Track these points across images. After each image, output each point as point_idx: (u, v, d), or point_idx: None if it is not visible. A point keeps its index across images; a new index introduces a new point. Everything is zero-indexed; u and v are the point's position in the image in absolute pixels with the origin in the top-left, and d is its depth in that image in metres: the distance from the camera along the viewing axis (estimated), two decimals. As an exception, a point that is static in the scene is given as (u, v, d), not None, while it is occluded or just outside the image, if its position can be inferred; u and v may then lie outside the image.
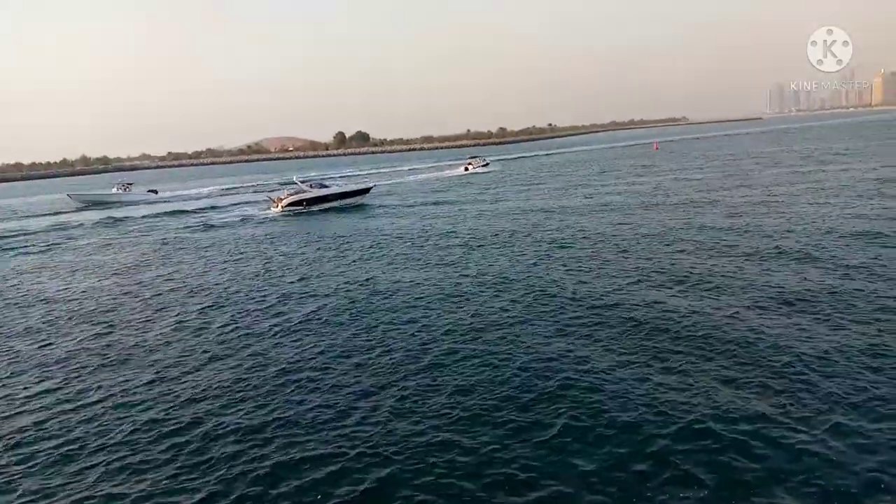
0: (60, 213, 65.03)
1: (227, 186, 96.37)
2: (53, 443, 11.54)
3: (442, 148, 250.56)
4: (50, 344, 17.89)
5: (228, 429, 11.56)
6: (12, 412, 13.11)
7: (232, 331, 17.82)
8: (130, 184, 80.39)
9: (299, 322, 18.13)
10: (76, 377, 14.94)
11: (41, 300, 23.77)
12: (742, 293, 17.44)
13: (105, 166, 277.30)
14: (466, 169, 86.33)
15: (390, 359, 14.52)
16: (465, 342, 15.22)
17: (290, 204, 48.90)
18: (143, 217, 54.11)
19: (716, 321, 15.24)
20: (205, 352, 16.12)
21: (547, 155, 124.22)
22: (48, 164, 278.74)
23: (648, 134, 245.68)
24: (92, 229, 47.84)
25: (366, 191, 53.95)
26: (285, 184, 61.88)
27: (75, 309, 21.93)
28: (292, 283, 23.62)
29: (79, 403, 13.33)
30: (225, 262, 29.52)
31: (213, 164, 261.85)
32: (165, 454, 10.81)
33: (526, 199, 46.43)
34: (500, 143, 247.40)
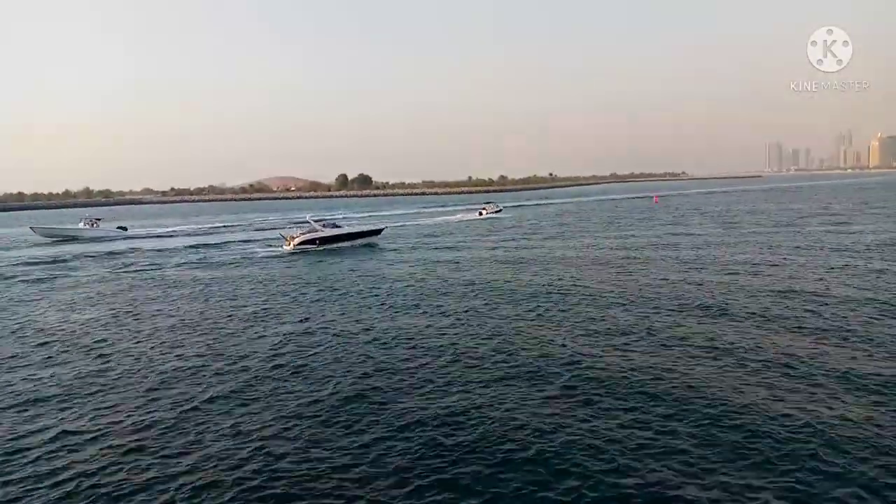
0: (12, 248, 62.50)
1: (213, 225, 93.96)
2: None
3: (444, 193, 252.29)
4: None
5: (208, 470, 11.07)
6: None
7: (228, 372, 17.40)
8: (98, 219, 77.28)
9: (297, 366, 17.70)
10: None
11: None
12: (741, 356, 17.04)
13: (107, 199, 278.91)
14: (481, 214, 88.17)
15: (376, 414, 14.01)
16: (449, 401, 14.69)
17: (303, 242, 49.38)
18: (85, 255, 52.12)
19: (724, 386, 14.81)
20: (191, 396, 15.59)
21: (549, 204, 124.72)
22: (50, 194, 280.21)
23: (649, 187, 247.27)
24: (33, 267, 45.50)
25: (378, 231, 54.59)
26: (299, 223, 61.05)
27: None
28: (292, 324, 23.22)
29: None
30: (222, 299, 29.19)
31: (213, 200, 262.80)
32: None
33: (539, 246, 46.41)
34: (502, 191, 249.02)
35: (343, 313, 24.78)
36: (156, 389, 16.24)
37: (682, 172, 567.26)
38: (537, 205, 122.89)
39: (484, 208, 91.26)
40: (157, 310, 27.27)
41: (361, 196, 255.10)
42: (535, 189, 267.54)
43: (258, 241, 59.29)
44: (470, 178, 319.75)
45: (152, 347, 20.67)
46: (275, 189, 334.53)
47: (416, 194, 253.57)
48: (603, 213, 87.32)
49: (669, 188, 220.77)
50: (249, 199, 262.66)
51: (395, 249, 48.85)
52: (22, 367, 18.84)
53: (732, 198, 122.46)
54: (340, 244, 50.58)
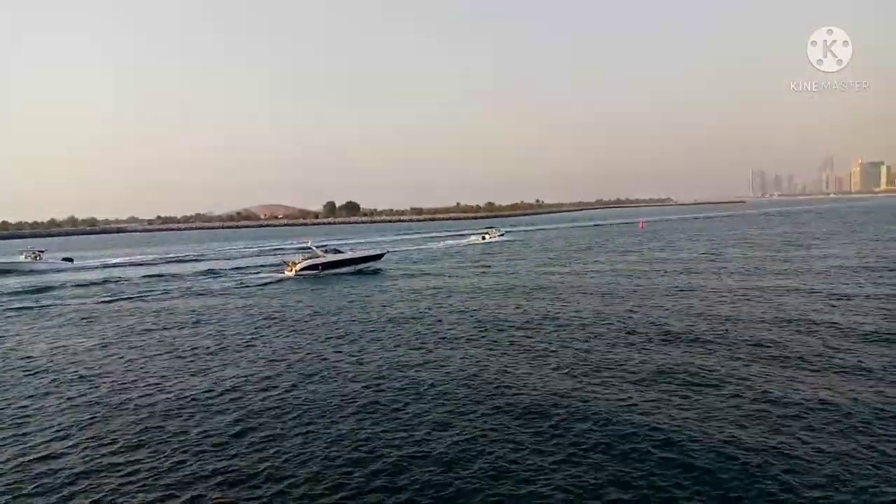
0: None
1: (172, 255, 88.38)
2: None
3: (432, 220, 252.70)
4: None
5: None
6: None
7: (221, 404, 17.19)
8: (42, 251, 74.13)
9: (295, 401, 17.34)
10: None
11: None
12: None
13: (92, 227, 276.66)
14: (484, 238, 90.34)
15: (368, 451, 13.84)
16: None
17: (305, 268, 49.76)
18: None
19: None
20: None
21: (538, 230, 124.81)
22: (35, 223, 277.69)
23: (635, 213, 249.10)
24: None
25: (379, 256, 55.11)
26: (301, 249, 61.02)
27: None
28: (286, 352, 23.00)
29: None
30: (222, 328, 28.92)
31: (200, 228, 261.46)
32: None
33: (536, 272, 46.60)
34: (489, 217, 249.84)
35: (346, 342, 24.41)
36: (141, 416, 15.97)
37: (667, 198, 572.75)
38: (526, 230, 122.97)
39: (487, 233, 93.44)
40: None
41: (349, 223, 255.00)
42: (522, 215, 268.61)
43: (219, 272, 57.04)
44: (458, 204, 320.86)
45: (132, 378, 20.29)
46: (262, 217, 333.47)
47: (404, 221, 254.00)
48: (592, 238, 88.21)
49: (656, 213, 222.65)
50: (236, 227, 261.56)
51: (397, 274, 49.03)
52: None
53: (716, 224, 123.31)
54: (342, 269, 50.85)
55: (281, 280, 47.76)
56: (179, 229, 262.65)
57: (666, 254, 56.67)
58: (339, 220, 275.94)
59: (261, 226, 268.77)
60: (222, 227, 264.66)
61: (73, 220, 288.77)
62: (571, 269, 47.82)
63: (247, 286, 45.06)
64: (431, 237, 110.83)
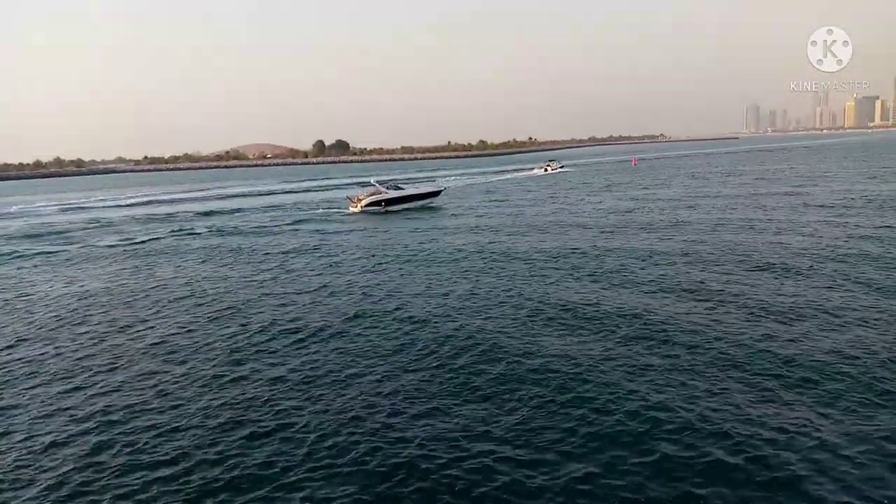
0: None
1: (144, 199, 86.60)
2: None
3: (423, 158, 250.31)
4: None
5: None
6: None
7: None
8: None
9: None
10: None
11: None
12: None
13: (79, 168, 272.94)
14: (546, 170, 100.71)
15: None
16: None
17: (370, 204, 51.37)
18: None
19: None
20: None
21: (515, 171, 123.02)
22: (20, 164, 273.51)
23: (629, 150, 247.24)
24: None
25: (437, 193, 55.94)
26: (363, 184, 62.47)
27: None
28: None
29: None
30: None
31: (188, 169, 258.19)
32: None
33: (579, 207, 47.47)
34: (481, 156, 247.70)
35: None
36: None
37: (660, 135, 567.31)
38: (520, 169, 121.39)
39: (549, 165, 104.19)
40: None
41: (339, 162, 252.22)
42: (515, 153, 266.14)
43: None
44: (449, 143, 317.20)
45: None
46: (251, 157, 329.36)
47: (395, 160, 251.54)
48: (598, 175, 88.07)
49: (649, 150, 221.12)
50: (227, 167, 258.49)
51: (456, 211, 50.32)
52: None
53: (704, 160, 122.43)
54: (404, 206, 52.12)
55: (351, 214, 50.52)
56: (168, 170, 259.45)
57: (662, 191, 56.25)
58: (330, 159, 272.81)
59: (250, 166, 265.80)
60: (215, 167, 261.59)
61: (59, 162, 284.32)
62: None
63: (327, 220, 48.57)
64: (454, 175, 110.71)
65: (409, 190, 55.50)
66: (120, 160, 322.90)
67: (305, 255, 31.45)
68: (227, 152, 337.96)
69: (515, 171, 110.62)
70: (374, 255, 30.20)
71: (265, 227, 45.65)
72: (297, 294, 22.66)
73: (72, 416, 12.92)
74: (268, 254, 32.62)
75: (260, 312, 20.18)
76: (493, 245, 31.45)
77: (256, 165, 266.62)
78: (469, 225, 40.41)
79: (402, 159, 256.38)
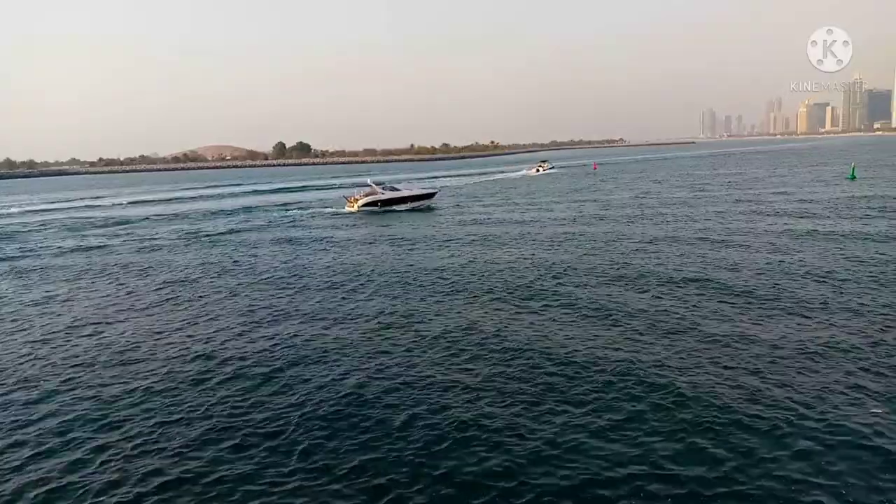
0: None
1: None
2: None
3: (384, 161, 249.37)
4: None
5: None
6: None
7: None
8: None
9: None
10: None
11: None
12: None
13: (30, 170, 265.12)
14: (538, 170, 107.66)
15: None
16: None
17: (366, 204, 52.39)
18: None
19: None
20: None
21: (502, 172, 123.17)
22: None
23: (589, 154, 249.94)
24: None
25: (432, 194, 56.62)
26: (359, 185, 62.23)
27: None
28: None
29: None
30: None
31: (145, 171, 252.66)
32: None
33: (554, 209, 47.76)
34: (445, 159, 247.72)
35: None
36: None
37: (619, 139, 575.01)
38: (487, 172, 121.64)
39: (541, 165, 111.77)
40: None
41: (300, 164, 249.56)
42: (478, 157, 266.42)
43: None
44: (412, 145, 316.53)
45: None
46: (210, 159, 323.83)
47: (357, 162, 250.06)
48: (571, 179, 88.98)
49: (608, 154, 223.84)
50: (185, 169, 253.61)
51: (451, 211, 51.13)
52: None
53: (659, 165, 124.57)
54: (399, 206, 52.76)
55: (349, 214, 51.42)
56: (124, 171, 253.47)
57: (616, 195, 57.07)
58: (291, 161, 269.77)
59: (209, 167, 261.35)
60: (173, 169, 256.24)
61: (9, 163, 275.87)
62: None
63: (321, 218, 49.76)
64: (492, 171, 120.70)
65: (405, 191, 56.16)
66: (74, 161, 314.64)
67: (312, 252, 32.50)
68: (185, 154, 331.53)
69: (501, 172, 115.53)
70: (380, 255, 30.57)
71: (262, 225, 47.06)
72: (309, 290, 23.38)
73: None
74: (274, 251, 33.56)
75: (270, 306, 20.96)
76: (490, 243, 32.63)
77: (216, 167, 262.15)
78: (468, 225, 41.09)
79: (365, 161, 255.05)
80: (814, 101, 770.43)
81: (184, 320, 19.66)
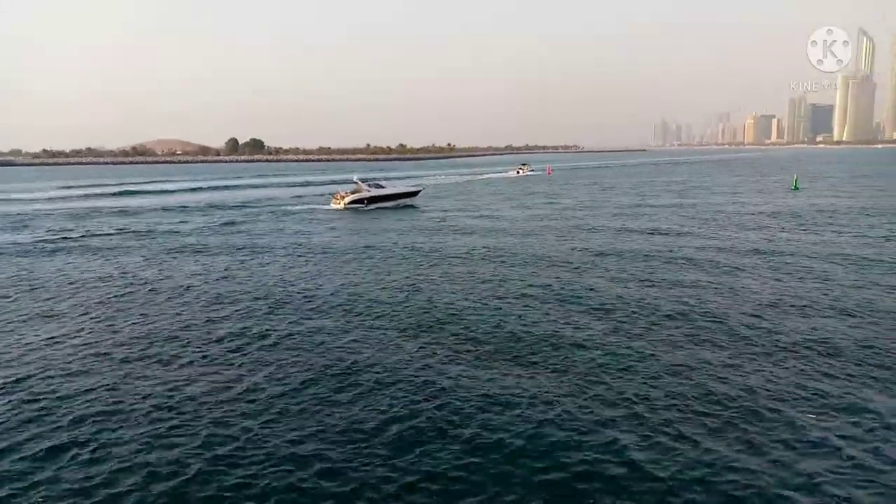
0: None
1: None
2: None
3: (341, 160, 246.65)
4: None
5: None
6: None
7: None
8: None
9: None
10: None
11: None
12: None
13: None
14: (518, 172, 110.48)
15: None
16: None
17: (353, 201, 52.63)
18: None
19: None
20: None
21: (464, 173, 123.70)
22: None
23: (545, 159, 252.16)
24: None
25: (416, 193, 58.18)
26: (346, 182, 62.97)
27: None
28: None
29: None
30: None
31: (91, 164, 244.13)
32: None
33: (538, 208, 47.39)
34: (401, 160, 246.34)
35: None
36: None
37: (574, 145, 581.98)
38: (442, 175, 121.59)
39: (521, 168, 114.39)
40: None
41: (254, 161, 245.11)
42: (436, 158, 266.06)
43: None
44: (368, 145, 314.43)
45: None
46: (160, 153, 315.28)
47: (312, 160, 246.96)
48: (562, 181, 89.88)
49: (564, 160, 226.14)
50: (133, 163, 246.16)
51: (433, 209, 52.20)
52: None
53: (611, 171, 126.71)
54: (384, 204, 53.41)
55: (336, 211, 51.53)
56: (70, 164, 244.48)
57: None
58: (244, 157, 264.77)
59: (159, 162, 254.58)
60: (121, 163, 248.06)
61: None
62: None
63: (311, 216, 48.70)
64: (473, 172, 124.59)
65: (390, 189, 56.73)
66: (16, 153, 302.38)
67: (297, 250, 31.86)
68: (134, 148, 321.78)
69: (484, 174, 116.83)
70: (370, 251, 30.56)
71: (245, 220, 46.66)
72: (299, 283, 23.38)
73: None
74: (268, 247, 32.85)
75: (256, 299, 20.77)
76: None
77: (166, 162, 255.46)
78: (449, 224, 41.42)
79: (320, 160, 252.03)
80: (761, 113, 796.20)
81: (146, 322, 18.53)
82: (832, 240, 30.92)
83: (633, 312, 18.02)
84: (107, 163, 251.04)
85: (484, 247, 30.64)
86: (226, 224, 43.96)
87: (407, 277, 23.75)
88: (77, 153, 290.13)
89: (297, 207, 56.09)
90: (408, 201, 55.86)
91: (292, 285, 22.74)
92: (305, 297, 20.89)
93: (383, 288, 21.97)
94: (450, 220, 42.83)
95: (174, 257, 29.96)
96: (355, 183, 54.91)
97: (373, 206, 52.40)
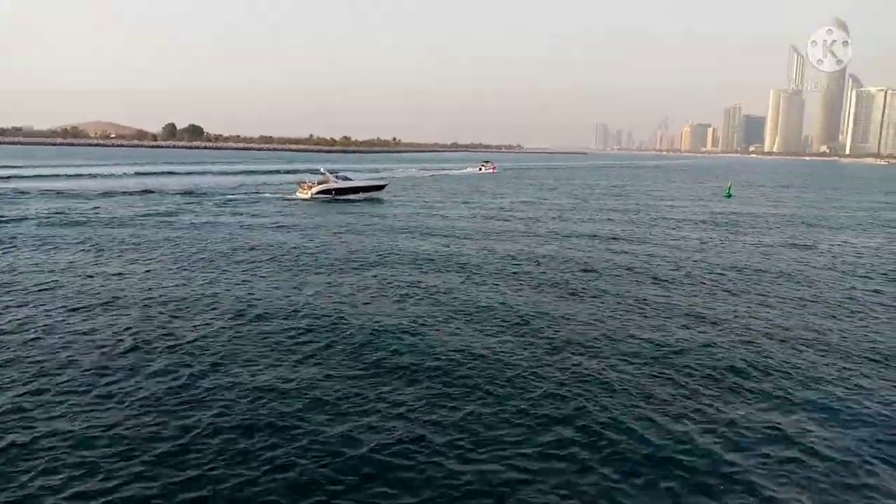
0: None
1: None
2: None
3: (283, 150, 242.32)
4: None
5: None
6: None
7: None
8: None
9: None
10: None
11: None
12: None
13: None
14: (480, 169, 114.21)
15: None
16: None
17: (320, 192, 52.53)
18: None
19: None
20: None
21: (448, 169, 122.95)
22: None
23: (492, 157, 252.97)
24: None
25: (382, 186, 57.94)
26: (313, 172, 61.65)
27: None
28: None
29: None
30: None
31: (15, 144, 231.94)
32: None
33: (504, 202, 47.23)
34: (345, 152, 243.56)
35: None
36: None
37: (517, 145, 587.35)
38: (384, 168, 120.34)
39: (484, 165, 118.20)
40: None
41: (192, 148, 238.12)
42: (381, 152, 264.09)
43: None
44: (311, 136, 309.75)
45: None
46: (93, 136, 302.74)
47: (253, 149, 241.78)
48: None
49: (510, 160, 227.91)
50: (69, 145, 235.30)
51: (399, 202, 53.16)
52: None
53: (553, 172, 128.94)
54: (351, 196, 53.47)
55: (303, 200, 51.40)
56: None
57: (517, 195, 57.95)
58: (182, 143, 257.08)
59: (92, 145, 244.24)
60: (51, 144, 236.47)
61: None
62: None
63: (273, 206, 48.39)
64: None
65: (358, 181, 56.70)
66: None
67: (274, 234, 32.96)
68: (66, 129, 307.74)
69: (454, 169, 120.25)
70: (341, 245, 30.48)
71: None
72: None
73: None
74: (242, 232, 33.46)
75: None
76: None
77: (100, 145, 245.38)
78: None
79: (261, 149, 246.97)
80: (697, 122, 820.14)
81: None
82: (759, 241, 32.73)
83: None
84: (36, 143, 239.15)
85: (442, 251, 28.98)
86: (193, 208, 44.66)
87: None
88: (3, 132, 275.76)
89: (265, 195, 55.73)
90: (375, 194, 55.73)
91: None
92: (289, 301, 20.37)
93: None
94: (414, 219, 41.87)
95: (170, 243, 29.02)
96: (322, 174, 54.99)
97: (340, 198, 52.34)
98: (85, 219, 37.41)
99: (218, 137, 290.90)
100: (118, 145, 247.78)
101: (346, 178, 55.62)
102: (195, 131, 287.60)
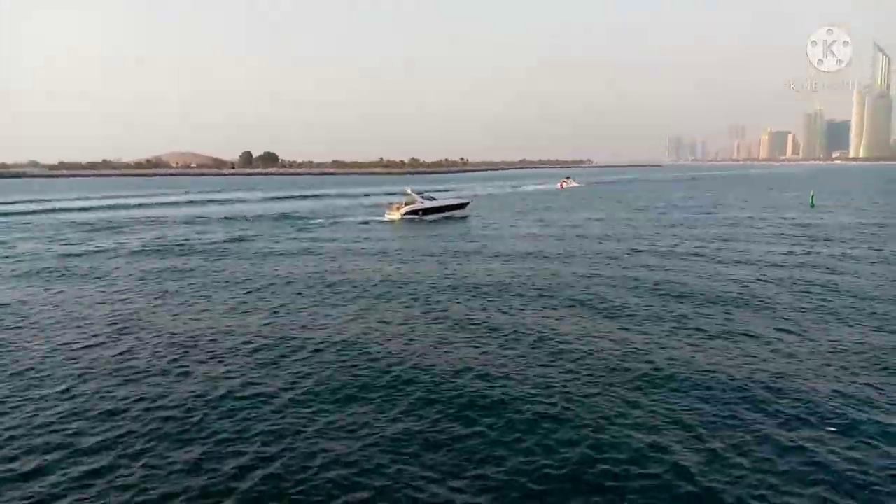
0: None
1: None
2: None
3: (354, 173, 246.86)
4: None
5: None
6: None
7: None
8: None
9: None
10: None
11: None
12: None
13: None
14: (562, 186, 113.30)
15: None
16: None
17: (409, 212, 54.48)
18: None
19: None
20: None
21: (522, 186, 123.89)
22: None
23: (561, 173, 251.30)
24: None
25: (466, 204, 60.45)
26: (402, 194, 62.98)
27: None
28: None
29: None
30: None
31: (105, 175, 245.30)
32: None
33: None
34: (414, 174, 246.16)
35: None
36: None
37: (587, 160, 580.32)
38: (452, 187, 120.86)
39: (566, 181, 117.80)
40: None
41: (267, 174, 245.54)
42: (449, 172, 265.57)
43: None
44: (381, 159, 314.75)
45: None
46: (174, 165, 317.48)
47: (327, 174, 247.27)
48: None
49: (581, 174, 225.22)
50: (149, 175, 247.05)
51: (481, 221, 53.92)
52: None
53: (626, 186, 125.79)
54: (437, 215, 55.13)
55: (393, 221, 53.29)
56: (86, 176, 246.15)
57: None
58: (258, 170, 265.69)
59: (173, 174, 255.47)
60: (136, 175, 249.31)
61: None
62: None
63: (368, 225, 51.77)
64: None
65: (442, 201, 58.83)
66: (33, 164, 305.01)
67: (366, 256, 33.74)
68: (149, 160, 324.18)
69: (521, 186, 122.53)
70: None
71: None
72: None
73: None
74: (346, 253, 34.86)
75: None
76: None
77: (182, 174, 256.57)
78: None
79: (334, 173, 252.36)
80: (775, 129, 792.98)
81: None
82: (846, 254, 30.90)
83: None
84: (123, 174, 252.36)
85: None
86: (300, 231, 47.72)
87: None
88: (93, 165, 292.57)
89: (353, 218, 58.07)
90: (458, 213, 57.76)
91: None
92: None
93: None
94: (501, 242, 39.28)
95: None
96: (408, 195, 56.95)
97: (427, 217, 54.31)
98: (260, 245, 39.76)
99: (292, 163, 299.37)
100: (198, 174, 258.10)
101: (431, 198, 57.49)
102: (271, 158, 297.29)
